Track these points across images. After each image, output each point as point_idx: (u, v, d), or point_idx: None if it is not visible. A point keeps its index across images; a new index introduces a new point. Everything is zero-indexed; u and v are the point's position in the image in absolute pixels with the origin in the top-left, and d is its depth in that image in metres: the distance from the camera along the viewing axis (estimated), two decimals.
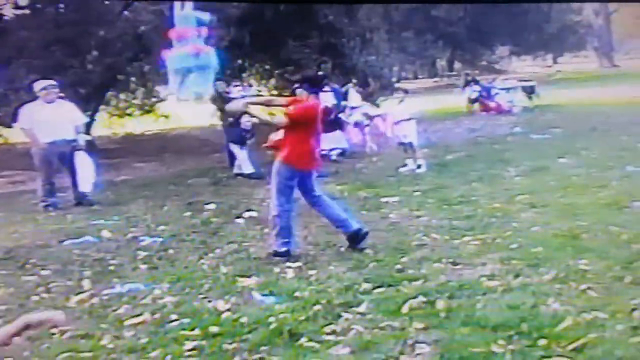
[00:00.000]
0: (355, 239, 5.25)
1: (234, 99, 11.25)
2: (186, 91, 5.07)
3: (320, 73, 5.68)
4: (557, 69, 39.53)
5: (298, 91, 5.41)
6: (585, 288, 3.99)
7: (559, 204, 6.33)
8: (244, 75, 17.21)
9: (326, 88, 10.56)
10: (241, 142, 9.84)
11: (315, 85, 5.46)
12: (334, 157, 10.64)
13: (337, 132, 10.81)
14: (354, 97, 12.15)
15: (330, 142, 10.45)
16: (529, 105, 17.74)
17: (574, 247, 4.85)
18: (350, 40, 14.83)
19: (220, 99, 11.42)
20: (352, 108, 11.85)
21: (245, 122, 9.82)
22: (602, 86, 22.99)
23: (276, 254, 5.15)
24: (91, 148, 8.95)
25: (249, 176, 9.44)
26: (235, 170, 9.81)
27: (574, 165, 8.56)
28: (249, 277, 4.71)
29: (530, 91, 18.27)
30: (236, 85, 12.08)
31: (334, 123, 10.53)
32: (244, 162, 9.75)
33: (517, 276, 4.31)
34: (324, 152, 10.72)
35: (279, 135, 5.46)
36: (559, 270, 4.33)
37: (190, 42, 5.51)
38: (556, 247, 4.88)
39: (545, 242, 5.03)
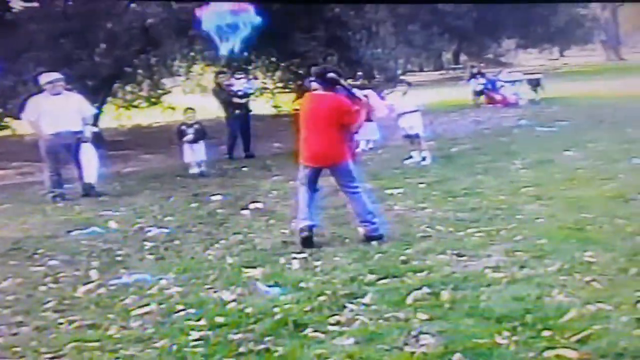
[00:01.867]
0: (372, 239, 5.21)
1: (237, 91, 11.34)
2: (225, 47, 5.41)
3: (329, 68, 5.64)
4: (563, 62, 39.33)
5: (312, 85, 5.49)
6: (590, 280, 3.98)
7: (565, 197, 6.32)
8: (249, 67, 17.21)
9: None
10: (187, 140, 9.55)
11: (325, 81, 5.32)
12: (365, 148, 10.51)
13: (368, 123, 10.76)
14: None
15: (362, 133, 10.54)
16: (535, 98, 17.68)
17: (579, 239, 4.84)
18: (357, 33, 14.81)
19: (223, 91, 11.44)
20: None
21: (189, 120, 9.68)
22: (609, 79, 22.87)
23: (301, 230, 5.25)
24: (98, 140, 8.98)
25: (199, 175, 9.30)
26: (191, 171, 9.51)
27: (580, 157, 8.54)
28: (254, 267, 4.73)
29: (535, 84, 18.19)
30: (239, 78, 12.03)
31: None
32: (190, 159, 9.52)
33: (522, 268, 4.31)
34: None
35: None
36: (564, 262, 4.32)
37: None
38: (561, 239, 4.88)
39: (551, 234, 5.02)
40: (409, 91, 9.72)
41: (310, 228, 5.23)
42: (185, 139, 9.55)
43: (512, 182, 7.28)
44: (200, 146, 9.55)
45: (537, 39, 37.62)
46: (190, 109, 10.08)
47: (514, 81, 18.13)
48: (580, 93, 18.94)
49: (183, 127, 9.66)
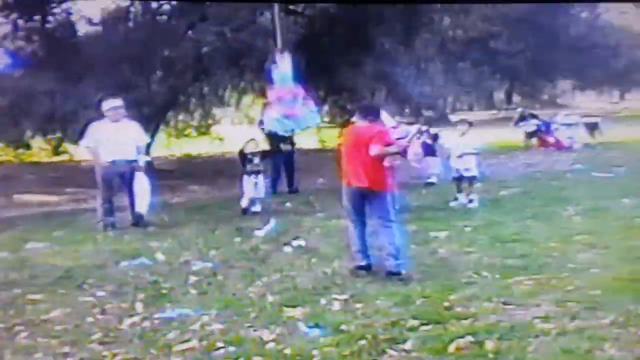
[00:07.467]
0: (391, 275, 5.34)
1: None
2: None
3: (370, 103, 6.41)
4: (624, 105, 38.17)
5: (354, 118, 5.91)
6: None
7: (621, 246, 6.06)
8: None
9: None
10: (246, 172, 8.87)
11: (365, 113, 5.68)
12: (427, 182, 10.76)
13: (431, 158, 10.75)
14: (386, 118, 11.96)
15: (425, 167, 10.62)
16: (591, 142, 17.18)
17: (635, 291, 4.63)
18: (405, 69, 14.84)
19: None
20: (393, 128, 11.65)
21: (251, 149, 8.90)
22: None
23: (358, 267, 5.47)
24: (149, 169, 9.11)
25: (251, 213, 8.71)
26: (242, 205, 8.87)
27: (638, 205, 8.20)
28: (294, 307, 4.70)
29: (593, 127, 17.67)
30: None
31: (428, 148, 10.54)
32: (247, 194, 8.82)
33: (573, 319, 4.16)
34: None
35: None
36: (618, 314, 4.15)
37: (287, 104, 7.28)
38: (616, 290, 4.69)
39: (605, 285, 4.83)
40: (469, 131, 9.25)
41: (367, 267, 5.45)
42: (249, 168, 8.79)
43: (564, 228, 7.03)
44: (262, 181, 8.90)
45: (596, 81, 36.76)
46: (253, 139, 9.28)
47: (570, 124, 17.64)
48: None
49: (249, 155, 8.83)
